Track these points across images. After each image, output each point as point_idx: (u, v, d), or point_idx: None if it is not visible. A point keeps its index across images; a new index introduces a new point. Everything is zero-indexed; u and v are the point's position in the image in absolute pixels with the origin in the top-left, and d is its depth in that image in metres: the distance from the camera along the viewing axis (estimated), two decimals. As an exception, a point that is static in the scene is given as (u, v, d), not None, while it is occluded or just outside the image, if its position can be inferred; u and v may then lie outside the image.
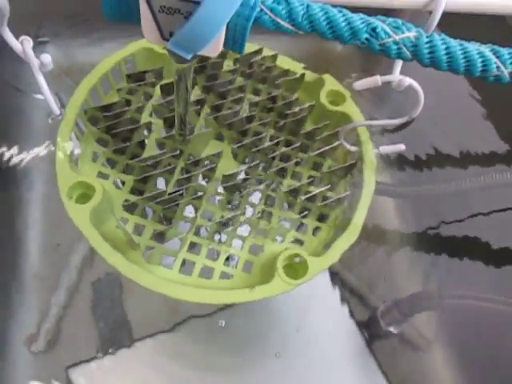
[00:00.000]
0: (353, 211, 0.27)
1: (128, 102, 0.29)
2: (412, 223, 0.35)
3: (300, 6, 0.16)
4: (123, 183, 0.27)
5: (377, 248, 0.34)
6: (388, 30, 0.16)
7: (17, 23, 0.22)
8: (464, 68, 0.17)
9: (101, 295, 0.30)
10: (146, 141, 0.28)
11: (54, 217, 0.33)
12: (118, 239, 0.25)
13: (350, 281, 0.32)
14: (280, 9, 0.16)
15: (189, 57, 0.17)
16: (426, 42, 0.17)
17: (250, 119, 0.29)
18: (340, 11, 0.16)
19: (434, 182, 0.34)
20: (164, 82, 0.30)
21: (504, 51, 0.17)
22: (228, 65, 0.31)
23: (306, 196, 0.27)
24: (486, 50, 0.17)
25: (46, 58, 0.20)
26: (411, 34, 0.17)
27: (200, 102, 0.30)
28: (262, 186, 0.27)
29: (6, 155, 0.35)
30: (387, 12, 0.20)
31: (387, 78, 0.24)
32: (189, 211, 0.27)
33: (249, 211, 0.28)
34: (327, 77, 0.30)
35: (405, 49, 0.17)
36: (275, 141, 0.29)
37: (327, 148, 0.29)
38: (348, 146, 0.29)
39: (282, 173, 0.28)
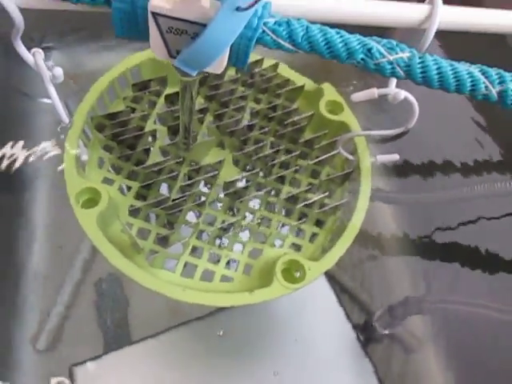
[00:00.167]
0: (349, 217, 0.27)
1: (133, 110, 0.30)
2: (407, 229, 0.35)
3: (300, 28, 0.17)
4: (128, 188, 0.28)
5: (373, 253, 0.35)
6: (383, 50, 0.17)
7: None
8: (454, 87, 0.18)
9: (103, 296, 0.31)
10: (151, 148, 0.29)
11: (58, 219, 0.33)
12: (123, 242, 0.26)
13: (347, 285, 0.33)
14: (281, 30, 0.17)
15: (194, 74, 0.18)
16: (419, 63, 0.18)
17: (251, 128, 0.30)
18: (338, 32, 0.17)
19: (429, 190, 0.35)
20: (168, 91, 0.31)
21: (492, 71, 0.18)
22: (230, 74, 0.32)
23: (305, 203, 0.28)
24: (475, 70, 0.18)
25: (58, 70, 0.21)
26: (404, 54, 0.18)
27: (203, 111, 0.31)
28: (261, 193, 0.28)
29: (12, 158, 0.35)
30: (383, 30, 0.21)
31: (383, 90, 0.25)
32: (191, 216, 0.28)
33: (249, 217, 0.29)
34: (326, 87, 0.31)
35: (398, 68, 0.18)
36: (275, 149, 0.29)
37: (326, 156, 0.29)
38: (346, 155, 0.30)
39: (281, 180, 0.29)
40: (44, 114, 0.38)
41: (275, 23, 0.17)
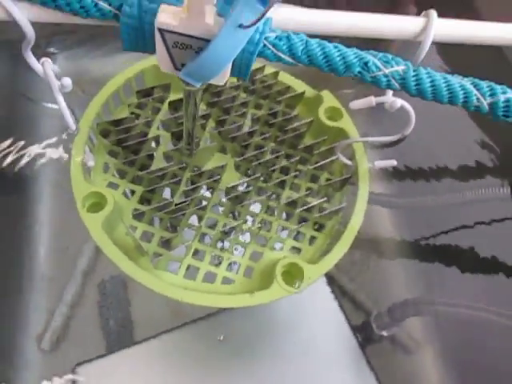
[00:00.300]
0: (348, 221, 0.28)
1: (137, 116, 0.31)
2: (405, 232, 0.36)
3: (299, 42, 0.18)
4: (132, 193, 0.29)
5: (371, 255, 0.35)
6: (379, 64, 0.18)
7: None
8: (447, 99, 0.19)
9: (106, 296, 0.31)
10: (155, 153, 0.30)
11: (62, 220, 0.34)
12: (128, 245, 0.27)
13: (346, 287, 0.33)
14: (281, 44, 0.18)
15: (198, 85, 0.18)
16: (413, 76, 0.18)
17: (252, 133, 0.31)
18: (335, 46, 0.18)
19: (426, 195, 0.35)
20: (172, 97, 0.31)
21: (483, 84, 0.19)
22: (232, 81, 0.33)
23: (304, 207, 0.29)
24: (467, 82, 0.19)
25: (66, 80, 0.22)
26: (400, 67, 0.18)
27: (205, 117, 0.31)
28: (262, 197, 0.29)
29: (18, 161, 0.36)
30: (378, 42, 0.22)
31: (381, 99, 0.26)
32: (194, 220, 0.29)
33: (250, 220, 0.29)
34: (326, 93, 0.32)
35: (394, 81, 0.18)
36: (275, 154, 0.30)
37: (325, 162, 0.30)
38: (344, 160, 0.30)
39: (281, 185, 0.30)
40: (49, 118, 0.38)
41: (276, 38, 0.18)
